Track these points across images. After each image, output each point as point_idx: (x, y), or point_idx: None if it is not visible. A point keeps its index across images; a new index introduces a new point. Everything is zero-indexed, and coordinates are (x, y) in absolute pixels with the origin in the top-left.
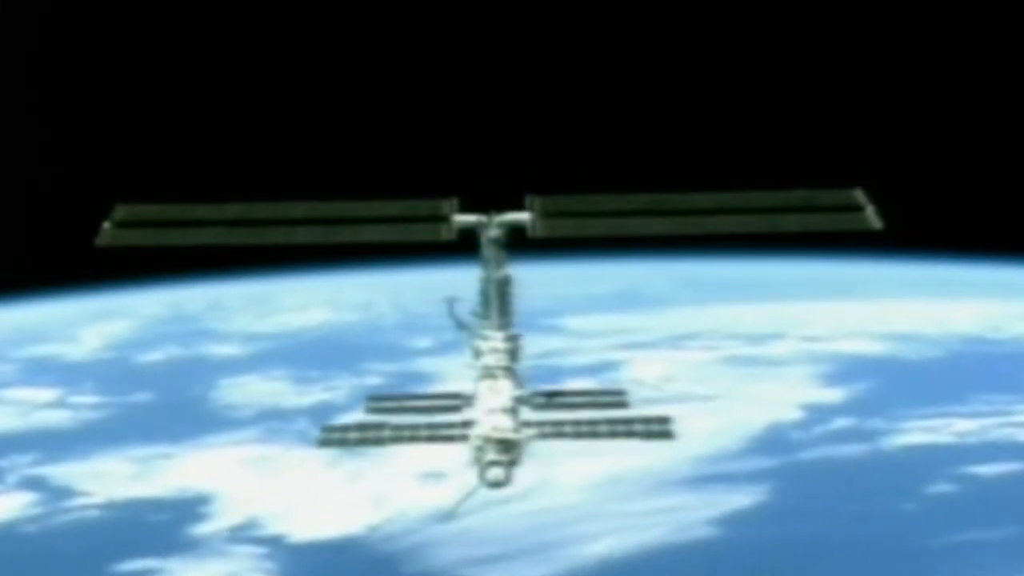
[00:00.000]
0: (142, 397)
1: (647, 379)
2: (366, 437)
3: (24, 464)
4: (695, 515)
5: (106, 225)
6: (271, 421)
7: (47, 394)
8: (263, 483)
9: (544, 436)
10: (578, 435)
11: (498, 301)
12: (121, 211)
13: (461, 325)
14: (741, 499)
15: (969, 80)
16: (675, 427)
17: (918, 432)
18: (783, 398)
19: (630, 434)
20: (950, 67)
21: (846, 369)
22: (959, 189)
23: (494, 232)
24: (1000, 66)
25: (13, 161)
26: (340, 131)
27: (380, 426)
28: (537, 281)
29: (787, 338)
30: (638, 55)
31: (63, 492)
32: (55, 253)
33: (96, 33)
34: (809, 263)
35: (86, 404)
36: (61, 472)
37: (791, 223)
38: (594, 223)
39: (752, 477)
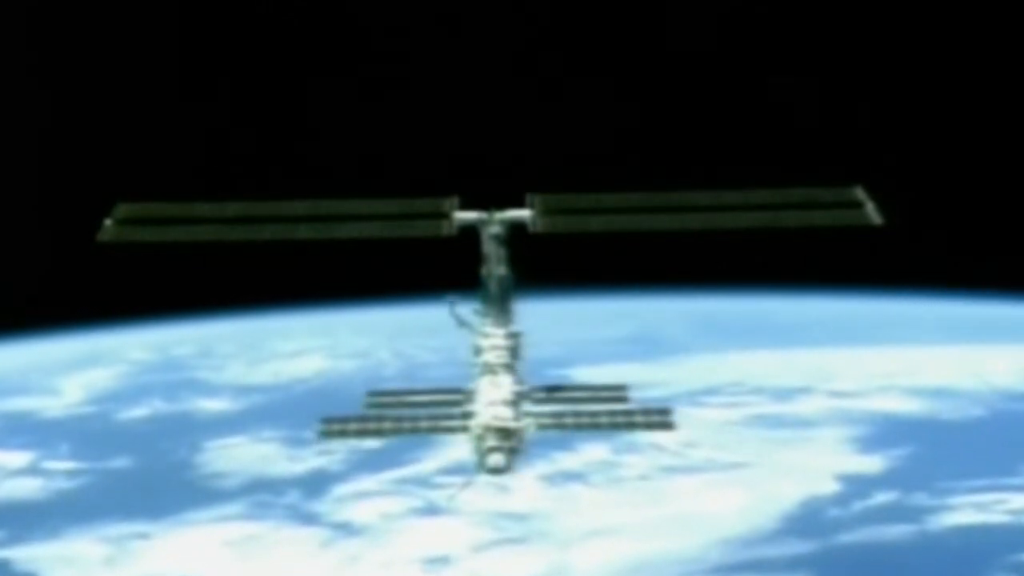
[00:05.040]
0: (121, 462)
1: (667, 443)
2: (366, 428)
3: None
4: None
5: (107, 222)
6: (260, 493)
7: (20, 458)
8: (248, 569)
9: (545, 427)
10: (579, 427)
11: (498, 298)
12: (122, 209)
13: (462, 323)
14: None
15: (1009, 108)
16: (675, 419)
17: (968, 509)
18: (817, 467)
19: (631, 425)
20: (992, 96)
21: (882, 431)
22: (993, 221)
23: (495, 229)
24: None
25: None
26: (341, 130)
27: (380, 418)
28: (545, 323)
29: (815, 393)
30: (638, 54)
31: None
32: (42, 290)
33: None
34: (831, 301)
35: (61, 471)
36: (27, 555)
37: (791, 220)
38: (594, 220)
39: (789, 564)
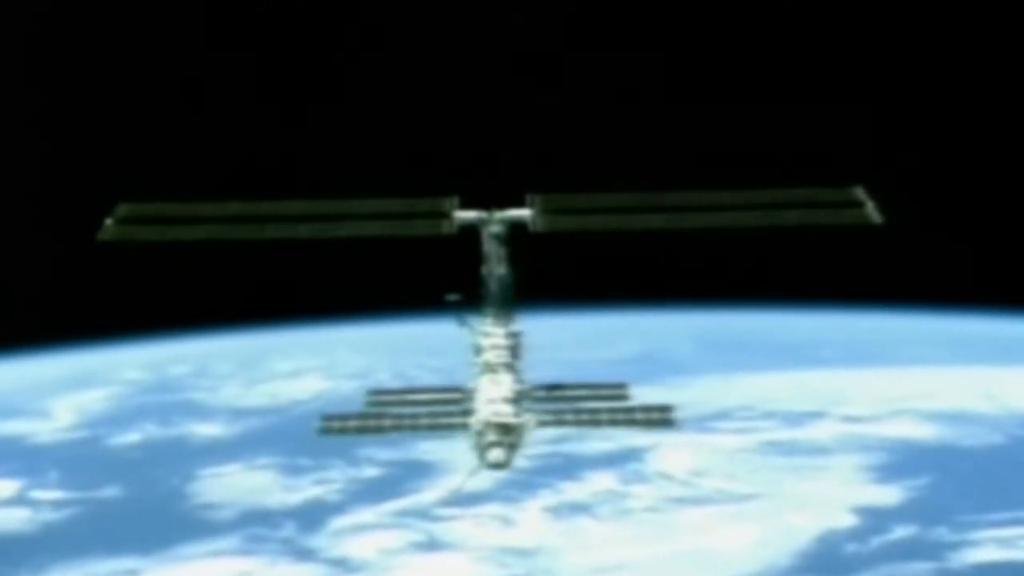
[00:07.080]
0: (111, 492)
1: (676, 472)
2: (366, 425)
3: None
4: None
5: (108, 221)
6: (254, 526)
7: (7, 487)
8: None
9: (545, 424)
10: (579, 423)
11: (499, 297)
12: (123, 208)
13: (463, 322)
14: None
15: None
16: (676, 415)
17: (991, 545)
18: (832, 498)
19: (631, 422)
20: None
21: (898, 459)
22: (1012, 237)
23: (495, 228)
24: None
25: None
26: (341, 130)
27: (381, 415)
28: (547, 341)
29: (827, 418)
30: (638, 54)
31: None
32: (34, 307)
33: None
34: (843, 319)
35: (48, 501)
36: None
37: (791, 219)
38: (594, 219)
39: None
